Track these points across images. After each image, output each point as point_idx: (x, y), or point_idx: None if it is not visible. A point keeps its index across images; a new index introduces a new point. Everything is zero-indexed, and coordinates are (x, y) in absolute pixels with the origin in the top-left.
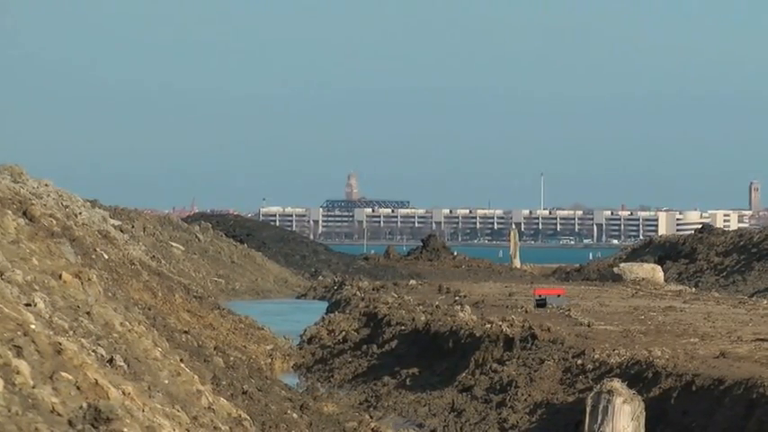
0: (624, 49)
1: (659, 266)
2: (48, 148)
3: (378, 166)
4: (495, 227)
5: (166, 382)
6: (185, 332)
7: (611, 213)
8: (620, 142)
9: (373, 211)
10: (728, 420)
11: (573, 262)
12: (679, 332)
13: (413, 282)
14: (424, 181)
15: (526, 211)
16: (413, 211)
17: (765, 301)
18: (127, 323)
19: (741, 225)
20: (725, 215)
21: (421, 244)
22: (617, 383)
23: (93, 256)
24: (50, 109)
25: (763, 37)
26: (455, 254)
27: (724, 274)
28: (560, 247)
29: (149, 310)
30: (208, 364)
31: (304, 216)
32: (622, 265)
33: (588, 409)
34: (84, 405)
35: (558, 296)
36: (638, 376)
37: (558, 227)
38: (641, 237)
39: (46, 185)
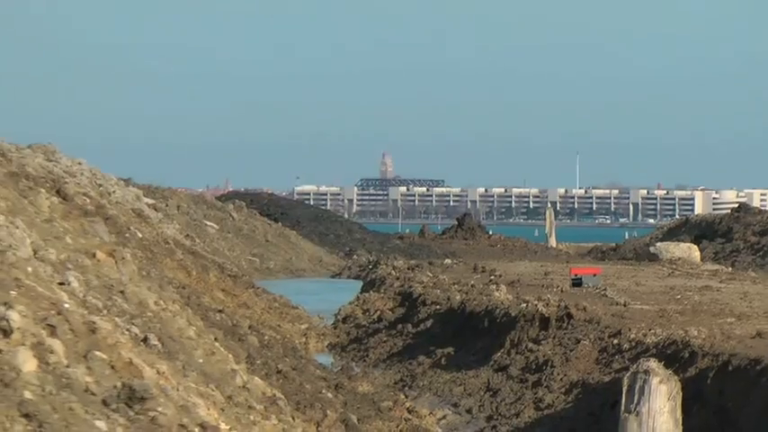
0: (660, 28)
1: (695, 246)
2: (82, 127)
3: (413, 144)
4: (531, 206)
5: (201, 361)
6: (220, 311)
7: (648, 192)
8: (657, 121)
9: (408, 189)
10: (764, 400)
11: (609, 241)
12: (715, 312)
13: (448, 261)
14: (460, 160)
15: (562, 190)
16: (448, 189)
17: None
18: (161, 302)
19: None
20: (761, 194)
21: (456, 223)
22: (653, 363)
23: (127, 235)
24: (87, 88)
25: None
26: (490, 233)
27: (761, 253)
28: (596, 226)
29: (183, 288)
30: (242, 343)
31: (338, 194)
32: (658, 244)
33: (624, 389)
34: (119, 384)
35: (594, 275)
36: (674, 356)
37: (594, 206)
38: (677, 216)
39: (79, 164)
